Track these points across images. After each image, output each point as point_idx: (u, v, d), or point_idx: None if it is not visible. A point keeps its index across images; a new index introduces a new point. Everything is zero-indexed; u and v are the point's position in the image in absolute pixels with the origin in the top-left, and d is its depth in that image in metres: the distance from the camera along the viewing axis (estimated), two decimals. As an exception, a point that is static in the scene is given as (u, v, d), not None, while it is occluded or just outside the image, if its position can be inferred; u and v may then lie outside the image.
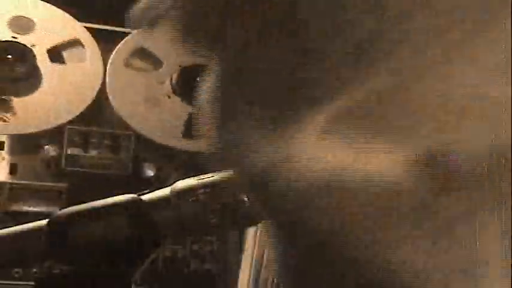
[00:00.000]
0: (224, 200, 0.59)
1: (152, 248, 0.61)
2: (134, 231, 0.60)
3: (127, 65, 1.54)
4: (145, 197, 0.62)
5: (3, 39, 1.45)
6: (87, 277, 0.59)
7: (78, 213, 0.61)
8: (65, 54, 1.53)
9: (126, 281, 0.60)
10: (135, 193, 1.36)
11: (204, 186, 0.60)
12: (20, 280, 1.41)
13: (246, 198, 0.58)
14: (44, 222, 0.61)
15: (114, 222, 0.61)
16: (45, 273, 0.69)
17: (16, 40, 1.48)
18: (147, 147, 1.54)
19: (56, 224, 0.60)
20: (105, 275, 0.59)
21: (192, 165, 1.56)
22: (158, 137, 1.51)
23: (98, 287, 0.60)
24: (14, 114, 1.43)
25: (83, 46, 1.53)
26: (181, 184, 0.62)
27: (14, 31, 1.49)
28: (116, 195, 1.48)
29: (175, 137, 1.52)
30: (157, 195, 0.62)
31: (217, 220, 0.59)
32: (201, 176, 0.61)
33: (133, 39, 1.54)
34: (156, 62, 1.56)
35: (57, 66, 1.51)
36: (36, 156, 1.49)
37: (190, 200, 0.60)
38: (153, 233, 0.61)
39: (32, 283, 1.36)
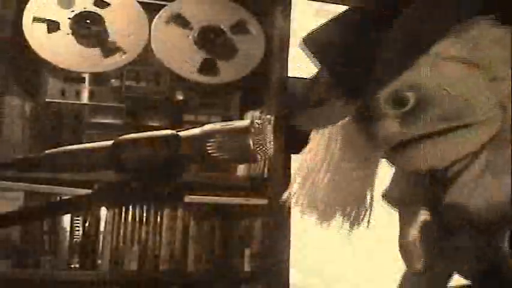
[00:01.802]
0: (233, 143, 0.67)
1: (180, 171, 0.70)
2: (169, 158, 0.69)
3: (165, 25, 2.23)
4: (181, 133, 0.69)
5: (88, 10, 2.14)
6: (134, 185, 0.70)
7: (133, 140, 0.70)
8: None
9: (159, 192, 0.72)
10: (170, 110, 1.89)
11: (223, 131, 0.67)
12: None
13: (251, 143, 0.67)
14: (110, 142, 0.70)
15: (157, 149, 0.69)
16: (104, 182, 0.70)
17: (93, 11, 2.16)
18: (178, 80, 2.21)
19: (117, 144, 0.69)
20: (146, 185, 0.70)
21: (205, 92, 2.26)
22: (183, 73, 2.20)
23: (139, 194, 0.72)
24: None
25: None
26: (208, 127, 0.68)
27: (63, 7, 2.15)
28: (156, 113, 2.13)
29: (192, 72, 2.21)
30: (189, 133, 0.69)
31: (225, 156, 0.68)
32: (224, 123, 0.69)
33: (170, 8, 2.24)
34: (184, 23, 2.25)
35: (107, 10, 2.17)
36: (106, 86, 2.18)
37: (211, 140, 0.67)
38: (181, 160, 0.69)
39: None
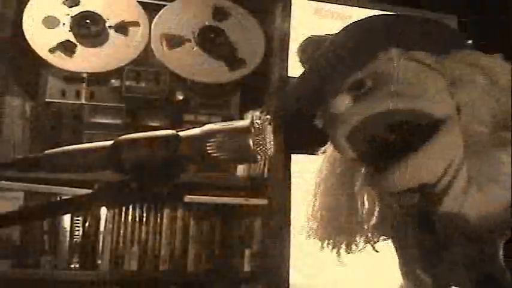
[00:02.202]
0: (233, 143, 0.67)
1: (179, 171, 0.70)
2: (169, 158, 0.69)
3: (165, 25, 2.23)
4: (181, 133, 0.70)
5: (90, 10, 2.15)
6: (134, 186, 0.69)
7: (133, 139, 0.70)
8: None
9: (159, 192, 0.71)
10: (170, 110, 1.91)
11: (223, 131, 0.68)
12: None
13: (251, 143, 0.67)
14: (109, 142, 0.70)
15: (156, 149, 0.69)
16: (104, 182, 0.70)
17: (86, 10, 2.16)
18: (178, 80, 2.22)
19: (117, 145, 0.70)
20: (146, 185, 0.69)
21: (205, 92, 2.27)
22: (183, 73, 2.21)
23: (139, 194, 0.70)
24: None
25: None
26: (208, 127, 0.69)
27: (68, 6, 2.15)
28: (156, 113, 2.14)
29: (194, 73, 2.21)
30: (189, 133, 0.69)
31: (225, 156, 0.68)
32: (224, 123, 0.69)
33: (170, 8, 2.24)
34: (184, 24, 2.26)
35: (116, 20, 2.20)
36: (106, 86, 2.19)
37: (211, 140, 0.67)
38: (181, 161, 0.70)
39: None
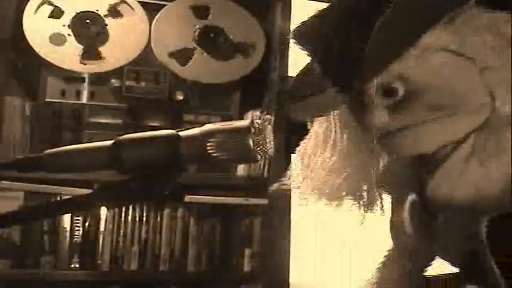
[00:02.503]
0: (233, 143, 0.68)
1: (180, 171, 0.70)
2: (169, 158, 0.69)
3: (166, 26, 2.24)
4: (181, 133, 0.70)
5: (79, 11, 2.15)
6: (134, 186, 0.69)
7: (133, 139, 0.70)
8: (120, 9, 2.22)
9: (159, 192, 0.70)
10: (170, 110, 1.89)
11: (223, 131, 0.68)
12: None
13: (251, 143, 0.67)
14: (109, 142, 0.70)
15: (157, 149, 0.69)
16: (104, 182, 0.69)
17: (88, 10, 2.16)
18: (178, 80, 2.22)
19: (117, 145, 0.69)
20: (146, 185, 0.69)
21: (205, 92, 2.27)
22: (184, 73, 2.21)
23: (140, 195, 0.72)
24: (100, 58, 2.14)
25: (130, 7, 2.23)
26: (208, 127, 0.69)
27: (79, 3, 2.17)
28: (156, 113, 2.14)
29: (194, 73, 2.22)
30: (189, 133, 0.70)
31: (225, 156, 0.68)
32: (224, 123, 0.69)
33: (170, 8, 2.24)
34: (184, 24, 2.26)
35: (116, 20, 2.20)
36: (106, 86, 2.18)
37: (211, 140, 0.67)
38: (181, 160, 0.69)
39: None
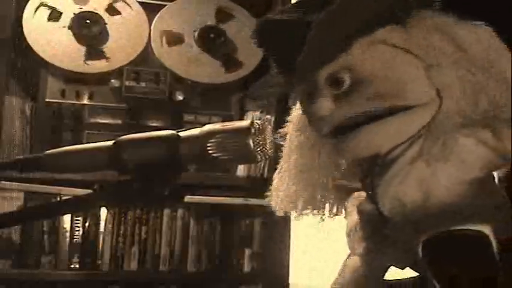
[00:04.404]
0: (233, 143, 0.68)
1: (180, 171, 0.71)
2: (169, 158, 0.69)
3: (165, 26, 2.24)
4: (181, 134, 0.70)
5: (78, 12, 2.14)
6: (134, 186, 0.69)
7: (133, 140, 0.70)
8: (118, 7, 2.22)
9: (159, 192, 0.70)
10: (170, 110, 1.89)
11: (223, 131, 0.68)
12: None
13: (251, 143, 0.68)
14: (110, 142, 0.70)
15: (157, 150, 0.69)
16: (104, 182, 0.68)
17: (87, 10, 2.16)
18: (178, 80, 2.22)
19: (117, 145, 0.70)
20: (146, 186, 0.69)
21: (205, 92, 2.27)
22: (183, 73, 2.21)
23: (141, 195, 0.70)
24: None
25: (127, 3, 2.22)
26: (208, 127, 0.69)
27: (76, 3, 2.17)
28: (156, 113, 2.13)
29: (193, 73, 2.22)
30: (189, 133, 0.69)
31: (225, 156, 0.68)
32: (224, 123, 0.70)
33: (170, 8, 2.24)
34: (185, 23, 2.26)
35: (115, 18, 2.20)
36: (106, 86, 2.18)
37: (211, 140, 0.68)
38: (181, 161, 0.70)
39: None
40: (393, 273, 0.98)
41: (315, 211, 0.98)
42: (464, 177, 0.77)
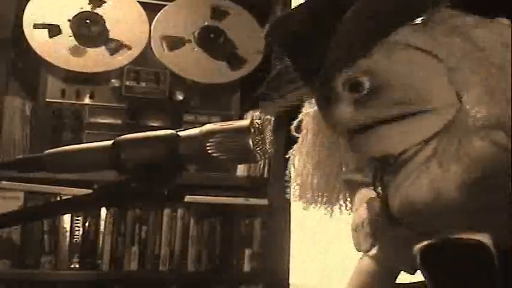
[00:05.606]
0: (233, 143, 0.68)
1: (180, 171, 0.70)
2: (169, 158, 0.69)
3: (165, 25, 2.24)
4: (181, 133, 0.70)
5: (84, 10, 2.15)
6: (134, 186, 0.69)
7: (133, 140, 0.70)
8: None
9: (159, 192, 0.70)
10: (170, 110, 1.89)
11: (223, 131, 0.68)
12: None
13: (250, 143, 0.67)
14: (109, 142, 0.71)
15: (157, 149, 0.69)
16: (104, 182, 0.69)
17: (91, 10, 2.17)
18: (178, 80, 2.21)
19: (117, 145, 0.70)
20: (146, 186, 0.69)
21: (205, 92, 2.26)
22: (183, 73, 2.21)
23: (140, 195, 0.70)
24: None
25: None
26: (208, 127, 0.69)
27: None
28: (156, 113, 2.13)
29: (194, 73, 2.22)
30: (189, 133, 0.69)
31: (225, 156, 0.68)
32: (223, 123, 0.69)
33: (170, 8, 2.24)
34: (183, 25, 2.26)
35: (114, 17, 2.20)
36: (106, 86, 2.18)
37: (211, 140, 0.67)
38: (181, 161, 0.70)
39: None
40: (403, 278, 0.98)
41: (328, 203, 0.99)
42: (476, 177, 0.77)
